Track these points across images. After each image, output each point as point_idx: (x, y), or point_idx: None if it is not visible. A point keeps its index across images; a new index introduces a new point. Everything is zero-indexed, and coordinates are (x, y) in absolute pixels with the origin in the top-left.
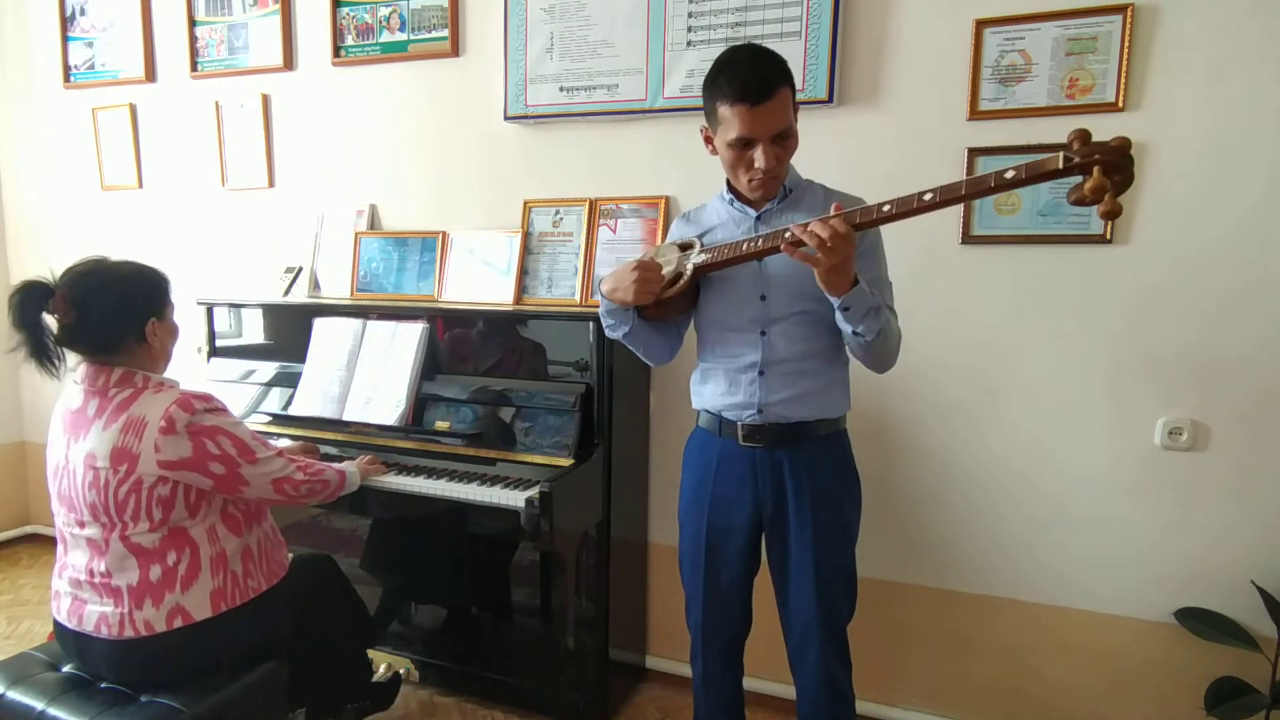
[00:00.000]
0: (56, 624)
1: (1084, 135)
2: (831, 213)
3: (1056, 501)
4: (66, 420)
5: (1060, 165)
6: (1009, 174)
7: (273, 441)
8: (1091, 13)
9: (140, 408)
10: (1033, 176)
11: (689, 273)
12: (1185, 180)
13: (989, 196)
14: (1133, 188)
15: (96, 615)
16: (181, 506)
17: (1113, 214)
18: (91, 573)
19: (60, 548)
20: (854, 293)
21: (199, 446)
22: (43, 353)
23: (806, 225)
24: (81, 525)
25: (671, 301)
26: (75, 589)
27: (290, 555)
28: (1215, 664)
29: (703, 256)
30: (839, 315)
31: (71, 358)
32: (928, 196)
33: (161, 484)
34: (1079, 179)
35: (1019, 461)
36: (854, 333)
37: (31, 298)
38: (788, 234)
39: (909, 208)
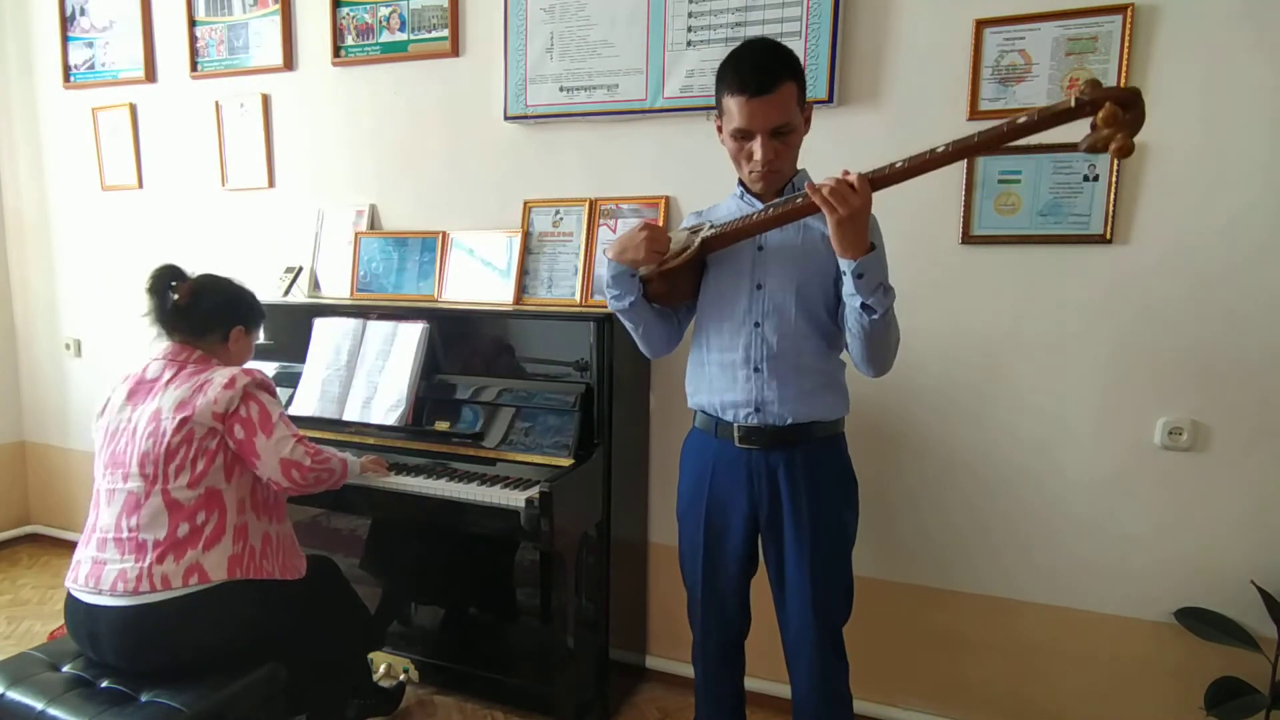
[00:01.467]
0: (69, 598)
1: (1095, 82)
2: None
3: (1056, 501)
4: (134, 389)
5: (1072, 104)
6: (1021, 119)
7: None
8: (1091, 13)
9: (210, 374)
10: (1045, 119)
11: (697, 244)
12: (1185, 179)
13: (997, 154)
14: (1132, 187)
15: (115, 573)
16: (221, 463)
17: (1125, 150)
18: (121, 527)
19: (92, 515)
20: (870, 257)
21: (238, 408)
22: (160, 318)
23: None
24: (125, 479)
25: (676, 278)
26: (99, 550)
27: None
28: (1215, 664)
29: (711, 231)
30: (851, 285)
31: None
32: (940, 149)
33: (210, 436)
34: (1090, 149)
35: (1019, 461)
36: (863, 305)
37: (165, 274)
38: (800, 199)
39: (921, 162)
